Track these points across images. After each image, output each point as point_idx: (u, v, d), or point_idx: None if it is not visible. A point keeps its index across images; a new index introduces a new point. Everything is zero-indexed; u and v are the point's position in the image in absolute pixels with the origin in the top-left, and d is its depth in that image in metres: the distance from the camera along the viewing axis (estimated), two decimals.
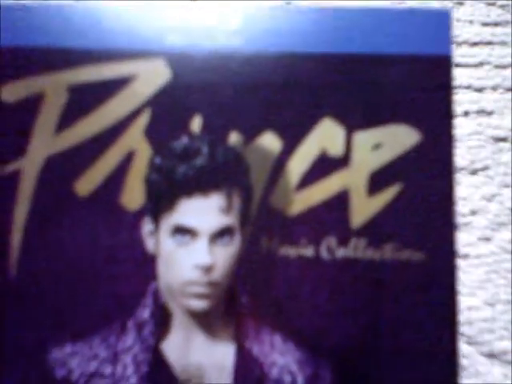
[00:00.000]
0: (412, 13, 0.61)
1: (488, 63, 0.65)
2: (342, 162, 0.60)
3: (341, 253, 0.59)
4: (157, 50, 0.61)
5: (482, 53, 0.66)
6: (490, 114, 0.64)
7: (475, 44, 0.66)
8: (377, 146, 0.59)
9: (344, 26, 0.61)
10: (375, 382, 0.57)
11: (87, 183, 0.59)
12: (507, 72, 0.66)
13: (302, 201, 0.59)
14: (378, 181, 0.59)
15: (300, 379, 0.57)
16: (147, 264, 0.58)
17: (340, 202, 0.59)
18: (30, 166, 0.59)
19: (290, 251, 0.58)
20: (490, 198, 0.64)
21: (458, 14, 0.67)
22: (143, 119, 0.59)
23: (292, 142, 0.59)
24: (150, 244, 0.58)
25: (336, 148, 0.59)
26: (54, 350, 0.58)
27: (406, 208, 0.59)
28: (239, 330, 0.59)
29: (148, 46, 0.61)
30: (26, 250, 0.59)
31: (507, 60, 0.66)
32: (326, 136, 0.59)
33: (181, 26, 0.61)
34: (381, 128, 0.59)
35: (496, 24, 0.67)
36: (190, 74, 0.60)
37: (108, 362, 0.58)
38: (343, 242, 0.58)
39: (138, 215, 0.59)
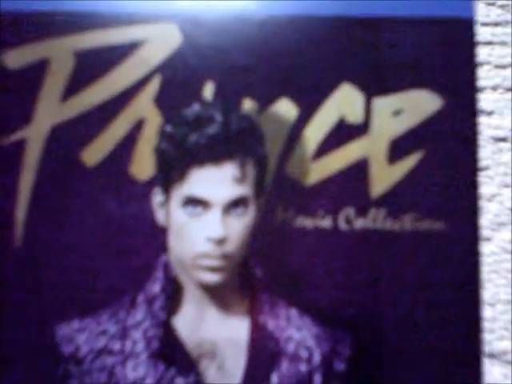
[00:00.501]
0: None
1: (488, 63, 0.64)
2: (362, 129, 0.59)
3: (359, 223, 0.58)
4: (168, 14, 0.59)
5: (481, 53, 0.64)
6: (490, 114, 0.63)
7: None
8: (397, 112, 0.58)
9: None
10: (394, 357, 0.55)
11: (95, 153, 0.58)
12: (507, 72, 0.65)
13: (320, 170, 0.58)
14: (398, 148, 0.58)
15: (317, 355, 0.56)
16: (158, 236, 0.58)
17: (359, 171, 0.58)
18: (35, 134, 0.58)
19: (306, 222, 0.57)
20: (490, 198, 0.63)
21: None
22: (153, 86, 0.58)
23: (309, 108, 0.58)
24: (160, 215, 0.57)
25: (355, 115, 0.58)
26: (60, 325, 0.57)
27: (427, 177, 0.57)
28: (254, 304, 0.58)
29: (159, 10, 0.59)
30: (31, 220, 0.57)
31: (507, 60, 0.66)
32: (345, 102, 0.58)
33: None
34: (401, 93, 0.58)
35: (496, 24, 0.66)
36: (202, 39, 0.59)
37: (117, 337, 0.57)
38: (362, 212, 0.57)
39: (148, 186, 0.57)
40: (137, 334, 0.57)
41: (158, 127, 0.58)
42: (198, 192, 0.56)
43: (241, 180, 0.56)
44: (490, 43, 0.65)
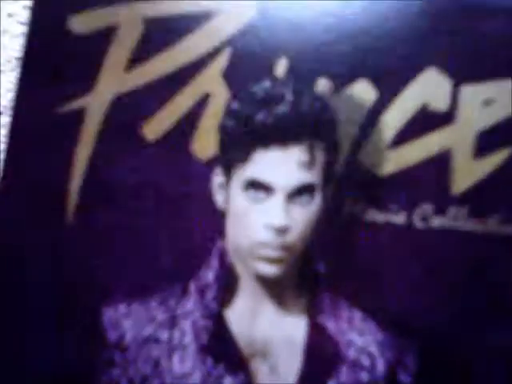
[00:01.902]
0: None
1: None
2: (446, 118, 0.57)
3: (437, 222, 0.56)
4: None
5: None
6: None
7: None
8: (487, 103, 0.55)
9: None
10: (464, 376, 0.51)
11: (156, 126, 0.57)
12: None
13: (396, 160, 0.57)
14: (486, 142, 0.55)
15: (380, 363, 0.54)
16: (215, 220, 0.57)
17: (440, 164, 0.57)
18: (96, 103, 0.59)
19: (377, 217, 0.56)
20: None
21: None
22: (222, 59, 0.58)
23: (389, 92, 0.58)
24: (219, 198, 0.56)
25: (440, 102, 0.58)
26: (107, 309, 0.56)
27: None
28: (313, 302, 0.57)
29: None
30: (85, 195, 0.56)
31: None
32: (430, 88, 0.58)
33: None
34: (493, 82, 0.53)
35: None
36: (277, 13, 0.56)
37: (165, 326, 0.56)
38: (441, 209, 0.55)
39: (210, 165, 0.55)
40: (186, 325, 0.57)
41: (224, 103, 0.55)
42: (261, 175, 0.55)
43: (308, 166, 0.54)
44: None
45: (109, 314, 0.57)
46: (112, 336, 0.57)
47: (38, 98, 0.59)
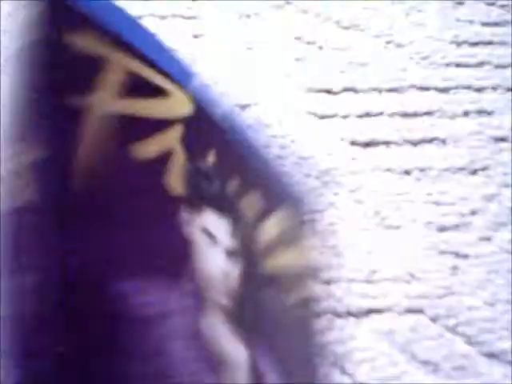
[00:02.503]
0: None
1: (488, 63, 0.73)
2: None
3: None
4: (185, 87, 0.70)
5: (481, 53, 0.74)
6: (490, 114, 0.72)
7: (475, 44, 0.75)
8: None
9: None
10: None
11: (143, 150, 0.64)
12: (507, 72, 0.73)
13: (271, 261, 0.74)
14: None
15: None
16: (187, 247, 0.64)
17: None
18: (96, 103, 0.61)
19: (269, 293, 0.68)
20: (489, 198, 0.68)
21: (458, 13, 0.77)
22: (179, 129, 0.67)
23: (269, 209, 0.76)
24: (189, 230, 0.65)
25: None
26: (118, 282, 0.57)
27: None
28: (250, 337, 0.66)
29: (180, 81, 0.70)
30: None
31: (507, 60, 0.74)
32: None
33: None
34: None
35: (496, 24, 0.76)
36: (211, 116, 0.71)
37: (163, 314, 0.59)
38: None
39: (180, 200, 0.65)
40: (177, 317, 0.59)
41: (183, 162, 0.66)
42: (210, 228, 0.66)
43: (232, 235, 0.65)
44: (490, 43, 0.74)
45: (118, 287, 0.54)
46: (119, 307, 0.54)
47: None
